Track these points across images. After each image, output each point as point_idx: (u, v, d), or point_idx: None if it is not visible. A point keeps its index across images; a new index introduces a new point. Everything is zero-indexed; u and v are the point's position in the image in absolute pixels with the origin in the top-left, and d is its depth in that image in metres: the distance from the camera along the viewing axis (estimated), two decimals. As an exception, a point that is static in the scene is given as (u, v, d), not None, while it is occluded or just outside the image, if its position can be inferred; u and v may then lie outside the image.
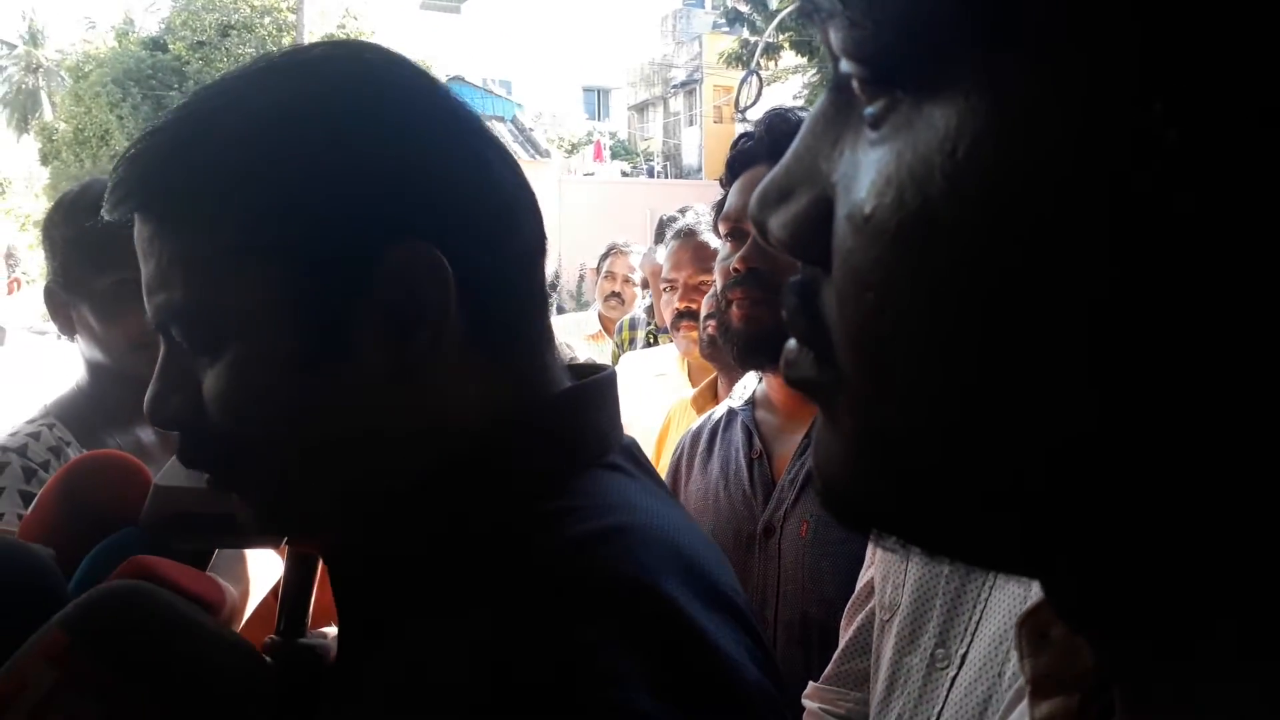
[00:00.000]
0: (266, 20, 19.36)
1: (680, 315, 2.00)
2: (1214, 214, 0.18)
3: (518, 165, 0.58)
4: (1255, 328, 0.19)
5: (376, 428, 0.53)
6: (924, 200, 0.22)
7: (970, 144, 0.21)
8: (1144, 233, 0.19)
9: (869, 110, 0.24)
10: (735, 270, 1.21)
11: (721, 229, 1.28)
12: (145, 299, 0.54)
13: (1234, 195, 0.18)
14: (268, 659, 0.87)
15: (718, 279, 1.28)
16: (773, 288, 1.17)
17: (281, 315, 0.51)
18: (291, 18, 18.74)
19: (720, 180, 1.31)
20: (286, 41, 18.89)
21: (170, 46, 19.19)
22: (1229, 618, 0.23)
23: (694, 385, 1.99)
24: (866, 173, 0.24)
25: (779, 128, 1.21)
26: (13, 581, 0.56)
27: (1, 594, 0.54)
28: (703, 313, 1.39)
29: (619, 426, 0.61)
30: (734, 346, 1.23)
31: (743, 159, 1.25)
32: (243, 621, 0.96)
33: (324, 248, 0.50)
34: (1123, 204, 0.19)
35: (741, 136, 1.27)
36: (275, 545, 0.78)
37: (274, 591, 1.25)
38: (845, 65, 0.25)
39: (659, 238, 3.27)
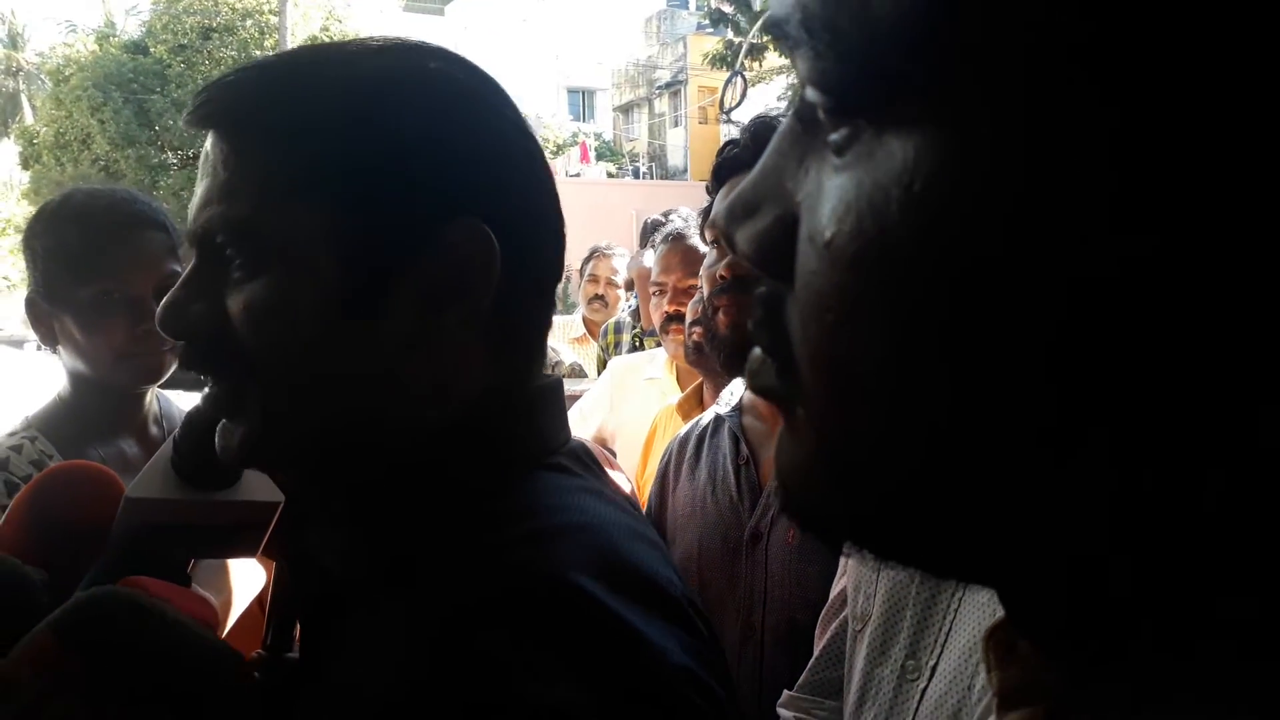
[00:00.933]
0: (249, 23, 19.25)
1: (670, 319, 1.99)
2: (1167, 253, 0.19)
3: (551, 172, 0.61)
4: (1203, 359, 0.20)
5: (379, 384, 0.55)
6: (881, 230, 0.23)
7: (926, 177, 0.22)
8: (1093, 271, 0.20)
9: (833, 137, 0.25)
10: (722, 277, 1.22)
11: (708, 236, 1.29)
12: (196, 210, 0.56)
13: (1189, 235, 0.19)
14: (255, 673, 0.86)
15: (704, 285, 1.28)
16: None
17: (333, 256, 0.53)
18: (274, 20, 18.64)
19: (707, 187, 1.31)
20: (269, 44, 18.79)
21: (151, 50, 19.05)
22: (1184, 633, 0.23)
23: (683, 389, 1.99)
24: (829, 198, 0.25)
25: (764, 135, 1.22)
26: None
27: None
28: (688, 319, 1.39)
29: (566, 428, 0.63)
30: (720, 353, 1.24)
31: (729, 166, 1.26)
32: (225, 631, 0.95)
33: (390, 208, 0.53)
34: (1070, 239, 0.20)
35: (727, 144, 1.28)
36: (252, 553, 0.78)
37: (260, 602, 1.24)
38: (810, 93, 0.25)
39: (645, 241, 3.26)
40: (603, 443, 2.25)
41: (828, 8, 0.23)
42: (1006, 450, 0.23)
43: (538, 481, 0.57)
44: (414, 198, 0.53)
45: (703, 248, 1.85)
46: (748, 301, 1.18)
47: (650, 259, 2.36)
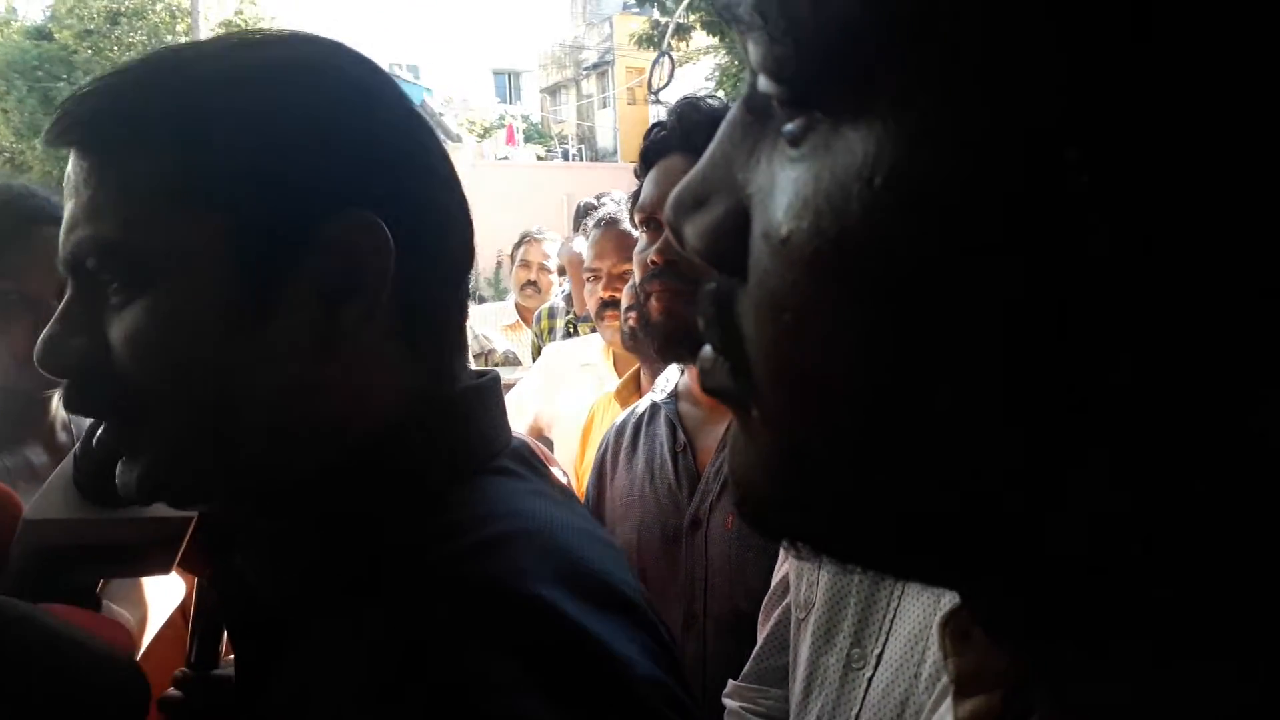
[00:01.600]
0: (159, 6, 18.61)
1: (605, 305, 1.97)
2: (1124, 247, 0.19)
3: (451, 161, 0.58)
4: (1161, 350, 0.19)
5: (288, 398, 0.52)
6: (841, 228, 0.22)
7: (887, 173, 0.21)
8: (1054, 268, 0.19)
9: (788, 128, 0.23)
10: (653, 263, 1.21)
11: (637, 219, 1.27)
12: (64, 236, 0.52)
13: (1144, 230, 0.18)
14: (178, 691, 0.83)
15: (636, 271, 1.27)
16: (691, 280, 1.17)
17: (217, 263, 0.50)
18: (185, 3, 18.06)
19: (635, 170, 1.30)
20: (181, 29, 18.21)
21: (56, 35, 18.31)
22: (1137, 623, 0.23)
23: (620, 375, 1.97)
24: (784, 192, 0.23)
25: (690, 117, 1.20)
26: None
27: None
28: (623, 304, 1.37)
29: (507, 429, 0.61)
30: (654, 340, 1.23)
31: (656, 149, 1.24)
32: (143, 648, 0.91)
33: (270, 206, 0.50)
34: (1034, 240, 0.19)
35: (654, 126, 1.26)
36: (165, 571, 0.74)
37: (183, 612, 1.20)
38: (763, 82, 0.24)
39: (577, 225, 3.24)
40: (539, 432, 2.23)
41: None
42: (970, 452, 0.22)
43: (483, 488, 0.55)
44: (295, 194, 0.51)
45: (635, 232, 1.84)
46: (679, 287, 1.16)
47: (582, 244, 2.33)
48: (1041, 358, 0.20)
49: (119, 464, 0.54)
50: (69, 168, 0.53)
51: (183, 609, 1.19)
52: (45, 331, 0.53)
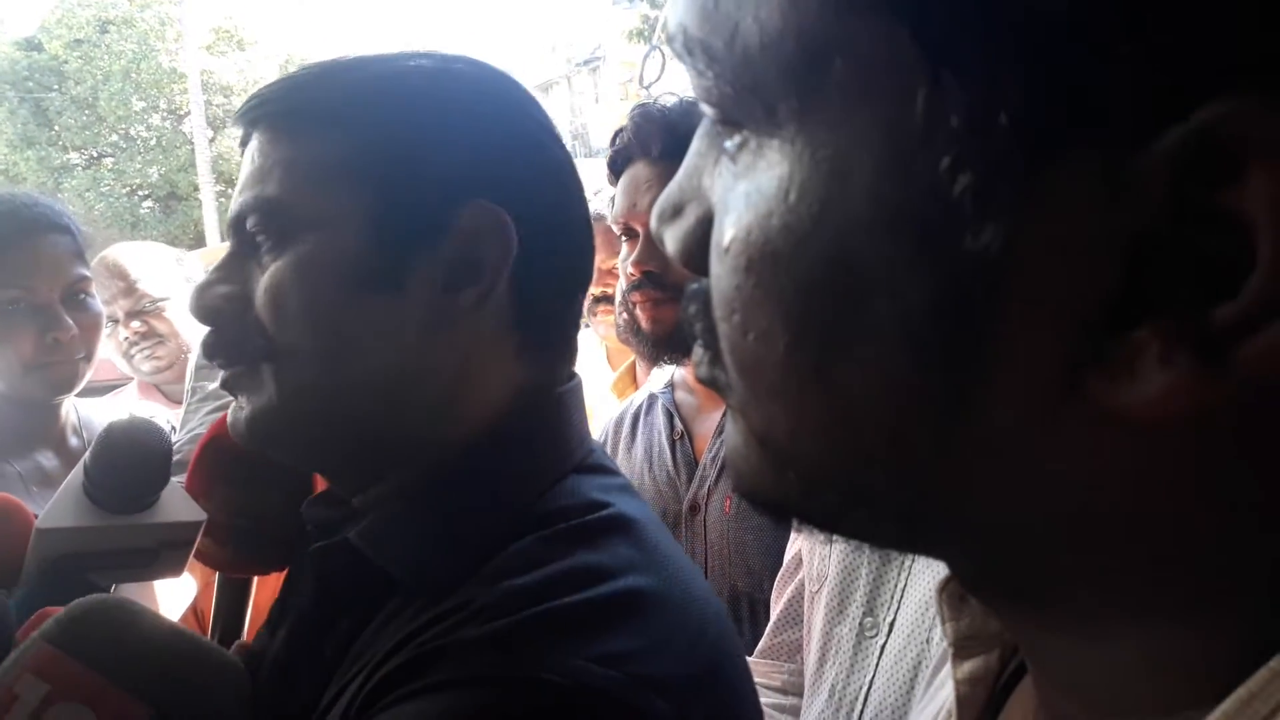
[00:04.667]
0: (148, 14, 18.54)
1: (596, 300, 1.99)
2: (1005, 245, 0.21)
3: (580, 181, 0.64)
4: (1037, 332, 0.22)
5: (401, 367, 0.56)
6: (766, 238, 0.25)
7: (799, 188, 0.24)
8: (940, 264, 0.22)
9: (727, 144, 0.26)
10: (630, 276, 1.24)
11: (617, 229, 1.29)
12: (233, 200, 0.59)
13: (1024, 230, 0.21)
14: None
15: (621, 277, 1.29)
16: (670, 286, 1.21)
17: (359, 228, 0.55)
18: (173, 10, 17.99)
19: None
20: (170, 35, 18.15)
21: (46, 46, 18.24)
22: (1090, 585, 0.25)
23: (614, 369, 1.99)
24: (729, 206, 0.26)
25: (644, 126, 1.23)
26: None
27: None
28: (617, 297, 1.39)
29: (589, 430, 0.65)
30: (643, 345, 1.26)
31: (619, 159, 1.27)
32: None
33: (414, 185, 0.56)
34: (920, 240, 0.22)
35: (616, 133, 1.28)
36: (176, 574, 0.76)
37: (194, 611, 1.21)
38: (702, 106, 0.27)
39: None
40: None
41: (703, 30, 0.25)
42: (907, 436, 0.24)
43: (580, 483, 0.58)
44: (436, 179, 0.56)
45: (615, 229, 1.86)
46: (659, 295, 1.20)
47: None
48: (938, 341, 0.22)
49: (232, 405, 0.59)
50: (249, 145, 0.59)
51: (194, 608, 1.20)
52: (201, 280, 0.59)
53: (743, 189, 0.26)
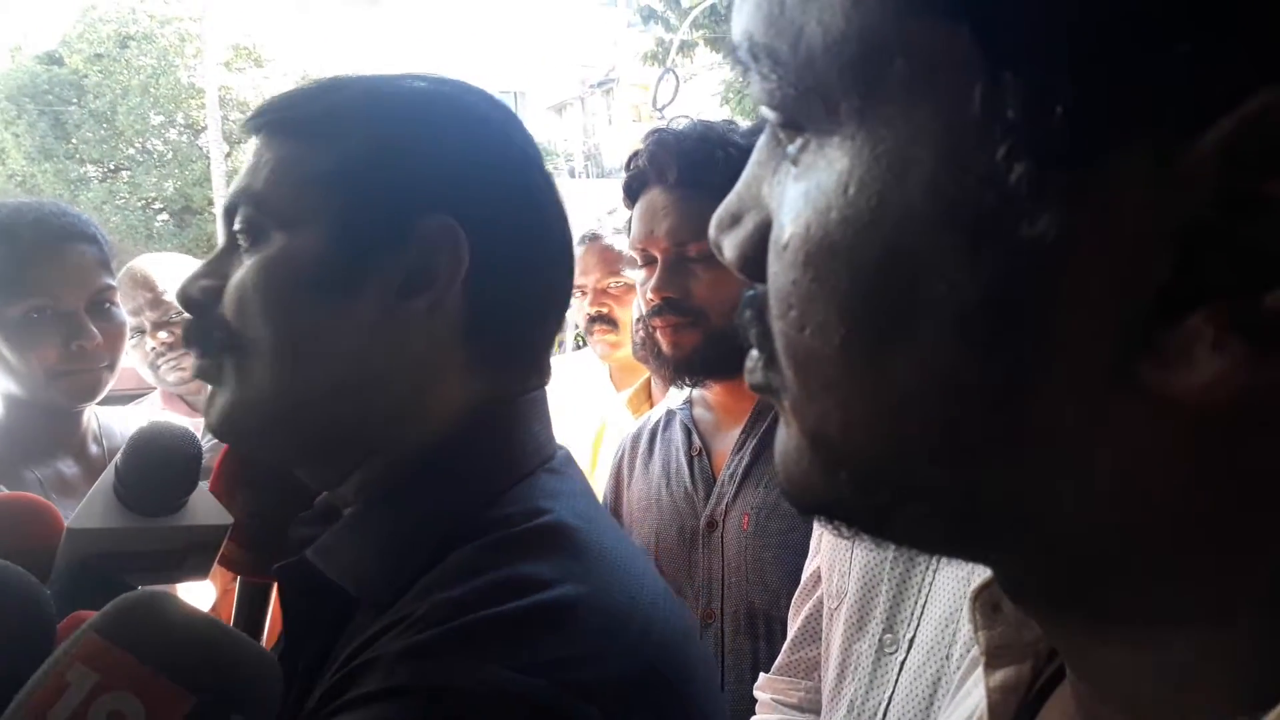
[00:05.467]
0: (168, 30, 18.74)
1: (593, 320, 1.99)
2: (1060, 233, 0.22)
3: (559, 198, 0.66)
4: (1095, 328, 0.22)
5: (354, 368, 0.59)
6: (825, 231, 0.26)
7: (859, 183, 0.25)
8: (996, 253, 0.22)
9: (790, 149, 0.28)
10: (650, 301, 1.25)
11: (637, 256, 1.30)
12: (232, 189, 0.62)
13: (1078, 218, 0.21)
14: None
15: (640, 302, 1.30)
16: (689, 311, 1.22)
17: (323, 233, 0.58)
18: (193, 27, 18.17)
19: (623, 200, 1.33)
20: (190, 51, 18.32)
21: (66, 60, 18.44)
22: (1137, 586, 0.25)
23: (619, 387, 1.99)
24: (788, 206, 0.27)
25: (659, 153, 1.23)
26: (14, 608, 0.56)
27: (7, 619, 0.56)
28: (634, 316, 1.40)
29: (553, 438, 0.66)
30: (664, 368, 1.27)
31: (635, 184, 1.28)
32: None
33: (377, 197, 0.59)
34: (976, 229, 0.23)
35: (631, 157, 1.29)
36: (202, 577, 0.77)
37: (214, 615, 1.22)
38: (764, 110, 0.28)
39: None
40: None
41: (769, 36, 0.27)
42: (961, 427, 0.25)
43: (534, 484, 0.60)
44: (398, 193, 0.59)
45: (618, 245, 1.87)
46: (679, 320, 1.21)
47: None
48: (996, 335, 0.23)
49: (208, 399, 0.62)
50: (255, 148, 0.63)
51: (213, 611, 1.21)
52: (191, 271, 0.63)
53: (803, 188, 0.26)
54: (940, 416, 0.25)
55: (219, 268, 0.62)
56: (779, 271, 0.27)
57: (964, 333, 0.23)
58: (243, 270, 0.60)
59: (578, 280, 2.03)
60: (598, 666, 0.49)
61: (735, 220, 0.31)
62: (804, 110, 0.26)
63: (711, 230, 0.32)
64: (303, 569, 0.60)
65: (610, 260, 1.96)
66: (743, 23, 0.28)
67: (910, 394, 0.25)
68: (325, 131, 0.61)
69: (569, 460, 0.65)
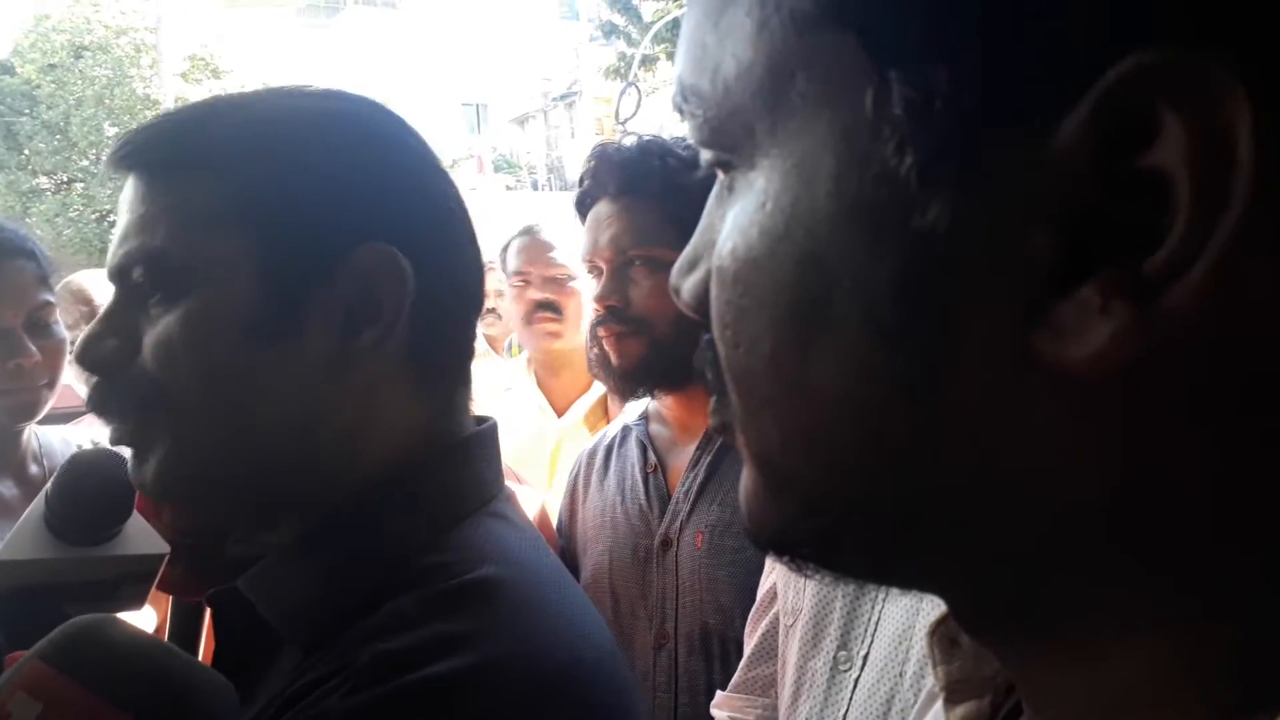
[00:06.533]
0: (123, 40, 18.49)
1: (538, 306, 1.93)
2: (951, 221, 0.23)
3: (466, 206, 0.63)
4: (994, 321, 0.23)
5: (298, 413, 0.56)
6: (748, 246, 0.27)
7: (774, 197, 0.26)
8: (895, 246, 0.24)
9: (726, 186, 0.29)
10: (596, 311, 1.27)
11: (586, 268, 1.33)
12: (115, 248, 0.57)
13: (966, 204, 0.23)
14: None
15: (590, 315, 1.33)
16: (630, 319, 1.24)
17: (248, 276, 0.55)
18: (149, 38, 17.94)
19: (577, 218, 1.36)
20: (146, 62, 18.08)
21: (19, 70, 18.12)
22: (1075, 586, 0.25)
23: (545, 393, 1.94)
24: (723, 233, 0.29)
25: (601, 167, 1.28)
26: None
27: None
28: (587, 328, 1.41)
29: (500, 475, 0.64)
30: (613, 379, 1.28)
31: (585, 200, 1.31)
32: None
33: (298, 231, 0.55)
34: (875, 225, 0.24)
35: (580, 177, 1.32)
36: (138, 606, 0.75)
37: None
38: (703, 154, 0.30)
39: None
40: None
41: (694, 76, 0.29)
42: (885, 427, 0.25)
43: (475, 531, 0.58)
44: (324, 223, 0.56)
45: (553, 240, 1.88)
46: (624, 330, 1.23)
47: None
48: (892, 317, 0.24)
49: (130, 465, 0.58)
50: (126, 189, 0.58)
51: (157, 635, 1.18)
52: (86, 330, 0.58)
53: (733, 214, 0.28)
54: (865, 418, 0.26)
55: (121, 325, 0.57)
56: (717, 294, 0.29)
57: (876, 327, 0.24)
58: (162, 327, 0.55)
59: (521, 268, 1.98)
60: None
61: (692, 266, 0.32)
62: (728, 140, 0.28)
63: (673, 277, 0.33)
64: (235, 597, 0.58)
65: (550, 250, 1.94)
66: (678, 71, 0.30)
67: (834, 398, 0.26)
68: (218, 166, 0.56)
69: (509, 500, 0.63)
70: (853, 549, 0.29)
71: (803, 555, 0.30)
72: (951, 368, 0.24)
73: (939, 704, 0.37)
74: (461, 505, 0.58)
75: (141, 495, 0.74)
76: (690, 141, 0.30)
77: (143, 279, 0.56)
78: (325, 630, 0.53)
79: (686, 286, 0.32)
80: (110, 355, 0.57)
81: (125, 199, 0.58)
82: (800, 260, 0.25)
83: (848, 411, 0.26)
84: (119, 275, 0.57)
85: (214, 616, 0.61)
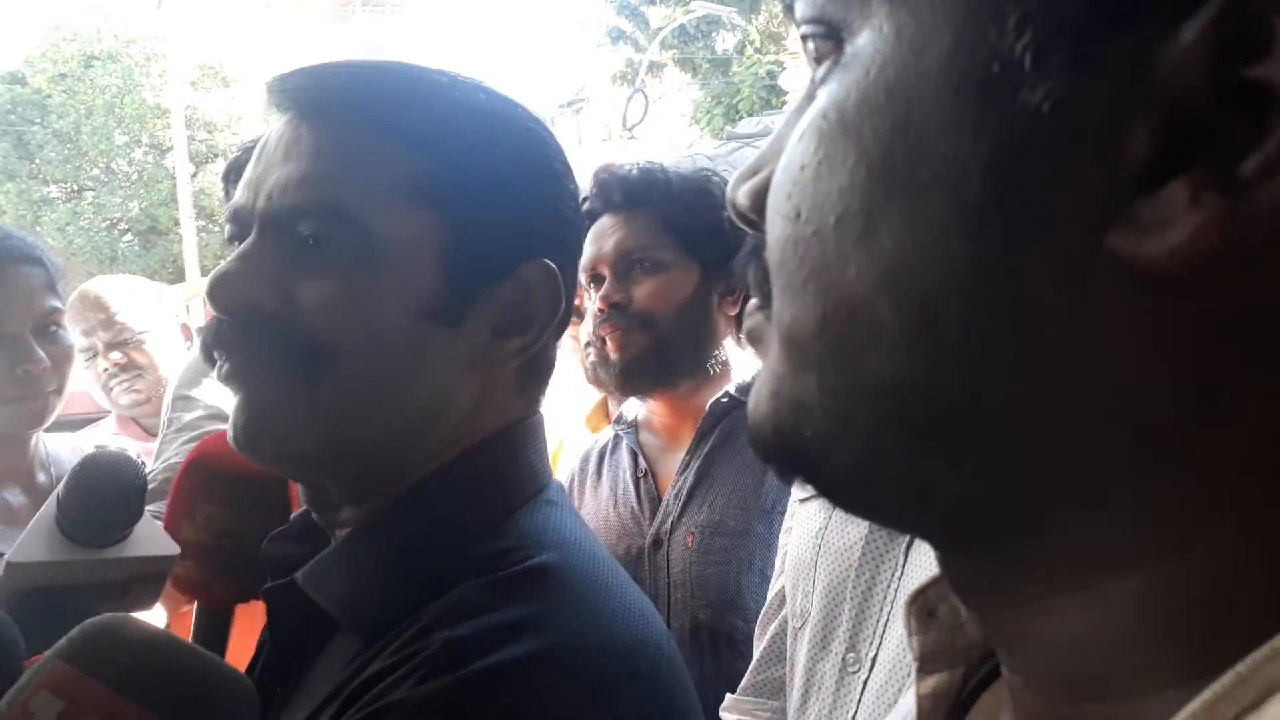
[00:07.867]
0: (133, 49, 18.59)
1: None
2: (1056, 104, 0.23)
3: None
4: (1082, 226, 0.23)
5: (434, 399, 0.57)
6: (841, 113, 0.27)
7: (880, 64, 0.26)
8: (997, 122, 0.23)
9: (817, 75, 0.29)
10: (600, 310, 1.31)
11: (583, 279, 1.35)
12: (281, 192, 0.55)
13: (1074, 91, 0.23)
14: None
15: (588, 322, 1.36)
16: (633, 315, 1.29)
17: (433, 260, 0.55)
18: (159, 47, 18.04)
19: None
20: (156, 71, 18.18)
21: (30, 80, 18.22)
22: (1082, 509, 0.25)
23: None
24: (804, 120, 0.28)
25: (606, 182, 1.34)
26: None
27: None
28: (582, 339, 1.43)
29: (549, 464, 0.64)
30: (612, 376, 1.31)
31: (589, 216, 1.35)
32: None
33: (490, 231, 0.57)
34: (980, 98, 0.24)
35: (585, 197, 1.35)
36: (149, 607, 0.76)
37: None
38: (804, 29, 0.29)
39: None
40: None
41: None
42: (940, 310, 0.25)
43: (535, 515, 0.58)
44: (509, 231, 0.58)
45: None
46: (626, 324, 1.27)
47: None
48: (980, 195, 0.24)
49: (233, 408, 0.57)
50: (286, 132, 0.56)
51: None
52: (223, 267, 0.56)
53: (824, 92, 0.28)
54: (918, 299, 0.25)
55: (268, 269, 0.55)
56: (785, 170, 0.28)
57: (959, 202, 0.24)
58: (336, 288, 0.54)
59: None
60: (612, 710, 0.50)
61: (754, 173, 0.32)
62: (840, 7, 0.27)
63: (730, 185, 0.33)
64: (290, 593, 0.58)
65: None
66: None
67: (890, 271, 0.25)
68: (408, 138, 0.55)
69: (561, 490, 0.64)
70: (859, 454, 0.27)
71: (802, 463, 0.29)
72: (1023, 259, 0.23)
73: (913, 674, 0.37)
74: (519, 493, 0.59)
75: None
76: (800, 19, 0.29)
77: (312, 234, 0.54)
78: (387, 618, 0.53)
79: (744, 189, 0.32)
80: (255, 297, 0.55)
81: (286, 141, 0.56)
82: (896, 126, 0.25)
83: (901, 288, 0.25)
84: (277, 224, 0.55)
85: (268, 612, 0.61)
